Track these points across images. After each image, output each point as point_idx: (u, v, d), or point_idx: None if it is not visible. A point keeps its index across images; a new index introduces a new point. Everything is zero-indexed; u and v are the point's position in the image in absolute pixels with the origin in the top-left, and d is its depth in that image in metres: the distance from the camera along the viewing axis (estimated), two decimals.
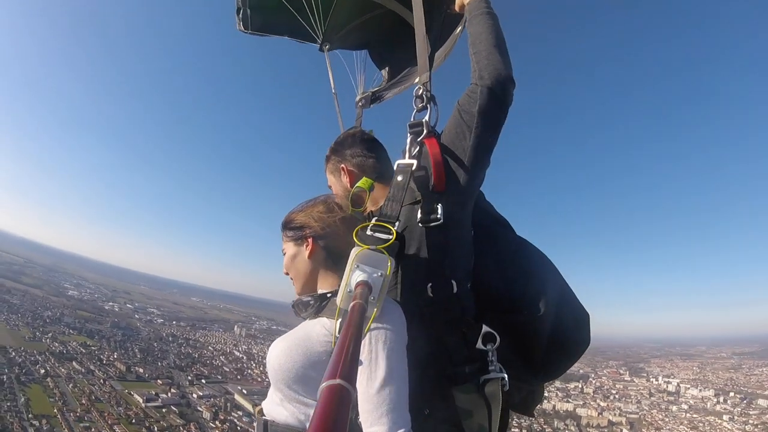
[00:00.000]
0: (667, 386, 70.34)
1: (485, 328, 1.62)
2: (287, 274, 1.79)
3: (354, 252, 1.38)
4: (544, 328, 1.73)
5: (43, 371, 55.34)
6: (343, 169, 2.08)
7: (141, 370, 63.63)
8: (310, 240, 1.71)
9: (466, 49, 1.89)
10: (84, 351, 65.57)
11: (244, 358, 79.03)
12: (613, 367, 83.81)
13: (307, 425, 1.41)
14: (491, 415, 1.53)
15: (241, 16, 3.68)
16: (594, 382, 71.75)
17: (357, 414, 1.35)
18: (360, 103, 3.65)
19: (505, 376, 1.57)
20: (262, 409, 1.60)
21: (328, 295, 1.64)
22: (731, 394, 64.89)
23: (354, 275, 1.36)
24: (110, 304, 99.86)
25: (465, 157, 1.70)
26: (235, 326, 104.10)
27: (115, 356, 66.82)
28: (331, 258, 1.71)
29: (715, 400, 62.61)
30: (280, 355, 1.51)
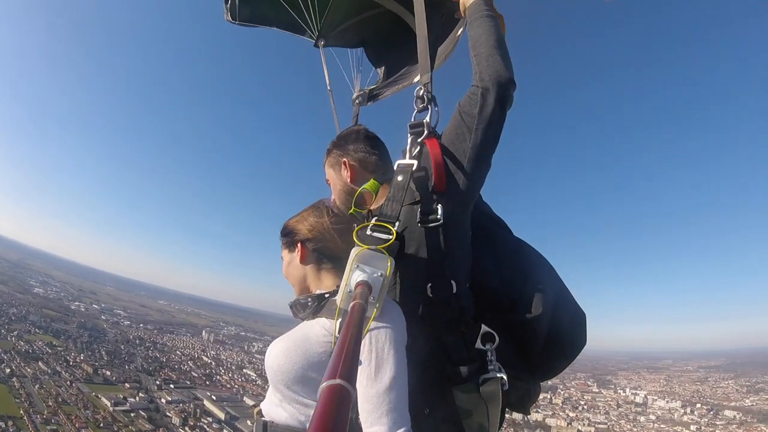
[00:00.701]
0: (634, 398, 71.65)
1: (484, 328, 1.64)
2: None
3: (354, 252, 1.40)
4: (541, 328, 1.74)
5: (8, 370, 54.35)
6: (344, 163, 2.07)
7: (108, 373, 62.60)
8: (299, 245, 1.75)
9: (467, 51, 1.91)
10: (50, 351, 64.25)
11: (213, 363, 78.12)
12: (581, 378, 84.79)
13: (307, 426, 1.42)
14: (490, 414, 1.55)
15: (228, 5, 3.66)
16: (562, 393, 72.70)
17: (357, 414, 1.36)
18: (357, 101, 3.64)
19: (504, 375, 1.59)
20: (261, 410, 1.61)
21: (326, 295, 1.65)
22: (698, 405, 66.60)
23: (354, 275, 1.37)
24: (76, 303, 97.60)
25: (465, 158, 1.72)
26: (203, 331, 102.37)
27: (82, 358, 65.66)
28: (325, 260, 1.74)
29: (682, 411, 64.12)
30: (279, 355, 1.52)
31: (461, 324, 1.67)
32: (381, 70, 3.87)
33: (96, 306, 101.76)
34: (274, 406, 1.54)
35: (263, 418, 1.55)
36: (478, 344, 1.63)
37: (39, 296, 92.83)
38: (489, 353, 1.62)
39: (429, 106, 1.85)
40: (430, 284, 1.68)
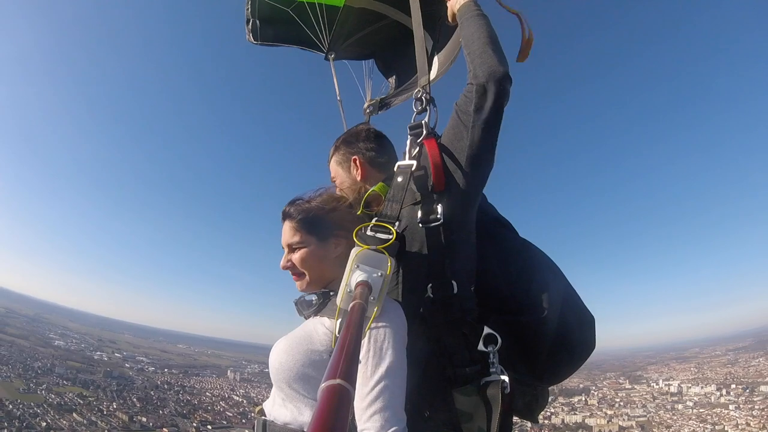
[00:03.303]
0: (668, 388, 71.32)
1: (487, 330, 1.61)
2: (289, 268, 1.75)
3: (354, 252, 1.42)
4: (547, 330, 1.71)
5: (44, 424, 53.38)
6: (354, 160, 2.05)
7: (144, 419, 61.42)
8: (343, 241, 1.71)
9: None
10: (81, 402, 63.23)
11: (244, 401, 76.95)
12: (612, 378, 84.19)
13: (307, 425, 1.37)
14: (491, 418, 1.52)
15: (250, 27, 3.85)
16: (596, 393, 72.20)
17: None
18: (368, 111, 3.68)
19: (506, 378, 1.54)
20: (262, 409, 1.62)
21: (331, 293, 1.65)
22: (732, 386, 66.32)
23: (354, 275, 1.38)
24: (98, 353, 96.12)
25: (464, 156, 1.71)
26: (228, 371, 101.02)
27: (115, 406, 64.46)
28: (347, 258, 1.63)
29: (718, 393, 63.96)
30: (281, 354, 1.52)
31: (463, 325, 1.64)
32: (392, 80, 4.00)
33: (118, 354, 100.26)
34: (277, 406, 1.54)
35: (263, 417, 1.56)
36: (480, 346, 1.60)
37: (61, 348, 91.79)
38: (491, 355, 1.59)
39: (428, 108, 1.89)
40: (431, 284, 1.67)
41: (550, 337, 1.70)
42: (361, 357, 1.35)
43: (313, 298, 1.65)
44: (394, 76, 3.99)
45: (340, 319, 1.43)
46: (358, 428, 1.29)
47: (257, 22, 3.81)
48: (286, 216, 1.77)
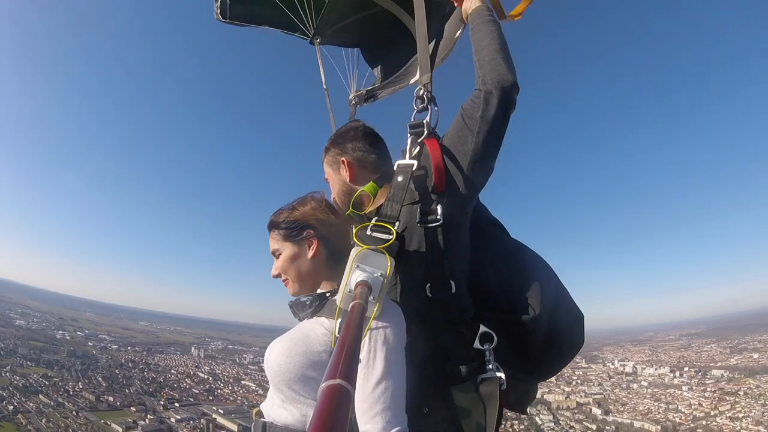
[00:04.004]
0: (624, 368, 73.59)
1: (482, 328, 1.64)
2: (278, 276, 1.76)
3: (354, 252, 1.40)
4: (540, 328, 1.74)
5: (11, 407, 52.57)
6: (343, 162, 2.03)
7: (111, 399, 61.04)
8: (315, 240, 1.71)
9: (469, 54, 1.91)
10: (47, 383, 62.21)
11: (210, 378, 77.03)
12: None
13: (308, 426, 1.43)
14: (488, 414, 1.55)
15: (218, 3, 3.56)
16: None
17: None
18: (353, 102, 3.61)
19: (503, 375, 1.59)
20: (260, 410, 1.61)
21: (327, 294, 1.65)
22: (686, 368, 68.69)
23: (354, 275, 1.37)
24: (61, 332, 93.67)
25: (466, 160, 1.71)
26: (192, 348, 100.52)
27: (80, 386, 63.83)
28: (332, 258, 1.71)
29: (672, 375, 66.45)
30: (280, 355, 1.52)
31: (460, 324, 1.69)
32: (378, 71, 3.88)
33: (80, 333, 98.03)
34: (276, 407, 1.55)
35: (262, 419, 1.56)
36: (477, 344, 1.65)
37: (22, 328, 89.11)
38: (487, 353, 1.64)
39: (429, 107, 1.88)
40: (429, 284, 1.69)
41: (542, 335, 1.75)
42: (361, 357, 1.36)
43: (308, 299, 1.65)
44: (379, 67, 3.87)
45: (339, 319, 1.43)
46: (360, 429, 1.31)
47: None
48: (268, 227, 1.82)
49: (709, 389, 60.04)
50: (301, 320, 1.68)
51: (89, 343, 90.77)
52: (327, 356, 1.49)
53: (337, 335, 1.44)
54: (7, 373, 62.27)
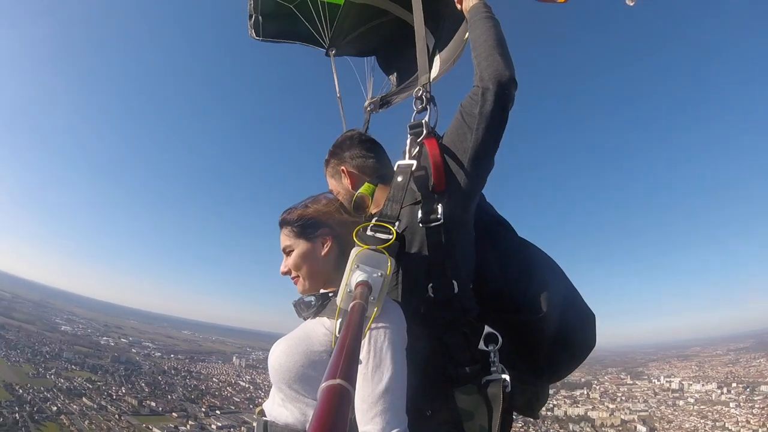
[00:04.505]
0: (669, 385, 71.60)
1: (487, 329, 1.61)
2: (288, 273, 1.77)
3: (354, 252, 1.40)
4: (547, 328, 1.71)
5: (55, 408, 53.67)
6: (343, 171, 2.06)
7: (153, 404, 62.02)
8: (329, 238, 1.72)
9: (468, 54, 1.94)
10: (91, 386, 63.63)
11: (251, 387, 77.45)
12: (613, 373, 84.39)
13: (308, 425, 1.43)
14: (492, 417, 1.53)
15: (252, 22, 3.81)
16: (598, 387, 72.62)
17: None
18: (368, 108, 3.65)
19: (507, 377, 1.55)
20: (263, 409, 1.61)
21: (330, 294, 1.65)
22: (733, 384, 66.49)
23: (354, 275, 1.37)
24: (105, 338, 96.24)
25: (466, 158, 1.71)
26: (233, 357, 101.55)
27: (124, 391, 64.93)
28: (342, 257, 1.69)
29: (719, 391, 64.19)
30: (281, 355, 1.52)
31: (463, 324, 1.65)
32: (393, 77, 3.96)
33: (124, 340, 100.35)
34: (277, 406, 1.55)
35: (264, 418, 1.56)
36: (481, 345, 1.61)
37: (68, 333, 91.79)
38: (492, 354, 1.60)
39: (428, 107, 1.87)
40: (431, 284, 1.68)
41: (551, 336, 1.72)
42: (361, 357, 1.36)
43: (312, 299, 1.65)
44: (395, 74, 3.96)
45: (340, 319, 1.42)
46: (360, 430, 1.30)
47: (260, 18, 3.79)
48: (280, 224, 1.81)
49: (757, 406, 58.28)
50: (304, 320, 1.69)
51: (133, 350, 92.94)
52: (327, 356, 1.49)
53: (338, 335, 1.45)
54: (52, 376, 63.67)
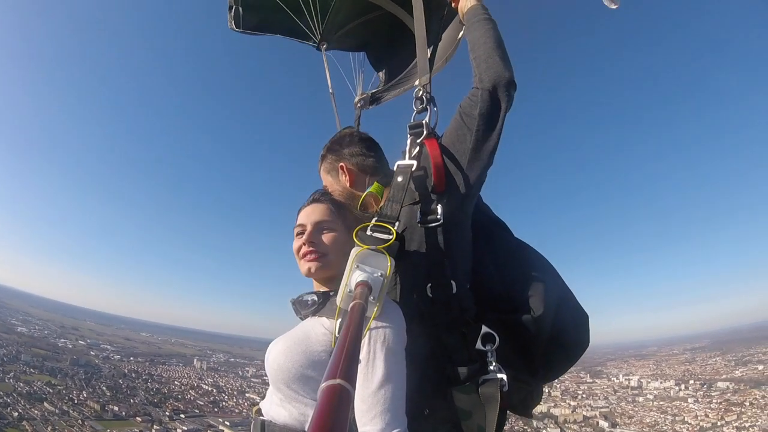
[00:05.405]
0: (629, 382, 73.00)
1: (484, 329, 1.63)
2: (313, 246, 1.68)
3: (354, 252, 1.40)
4: (543, 329, 1.72)
5: (16, 414, 52.12)
6: (342, 167, 2.04)
7: (116, 409, 60.46)
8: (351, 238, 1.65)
9: (466, 54, 1.91)
10: (51, 390, 61.66)
11: (214, 390, 76.32)
12: (573, 371, 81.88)
13: (307, 425, 1.44)
14: (489, 416, 1.55)
15: (233, 14, 3.61)
16: (558, 386, 72.54)
17: None
18: (359, 105, 3.61)
19: (504, 376, 1.57)
20: (260, 408, 1.61)
21: (331, 294, 1.63)
22: (691, 382, 68.35)
23: (354, 275, 1.37)
24: (63, 340, 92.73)
25: (465, 158, 1.72)
26: (194, 360, 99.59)
27: (85, 395, 63.15)
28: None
29: (677, 388, 66.12)
30: (280, 355, 1.52)
31: (462, 324, 1.67)
32: (382, 74, 3.96)
33: (82, 342, 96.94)
34: (275, 406, 1.54)
35: (261, 418, 1.55)
36: (479, 345, 1.63)
37: (24, 335, 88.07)
38: (489, 354, 1.63)
39: (428, 107, 1.89)
40: (430, 284, 1.69)
41: (546, 336, 1.72)
42: (361, 357, 1.35)
43: (312, 298, 1.65)
44: (384, 70, 3.92)
45: (339, 319, 1.43)
46: (359, 430, 1.30)
47: (240, 9, 3.62)
48: (318, 200, 1.79)
49: (715, 401, 59.98)
50: (302, 319, 1.67)
51: (92, 353, 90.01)
52: (327, 356, 1.48)
53: (337, 335, 1.44)
54: (11, 380, 61.72)
